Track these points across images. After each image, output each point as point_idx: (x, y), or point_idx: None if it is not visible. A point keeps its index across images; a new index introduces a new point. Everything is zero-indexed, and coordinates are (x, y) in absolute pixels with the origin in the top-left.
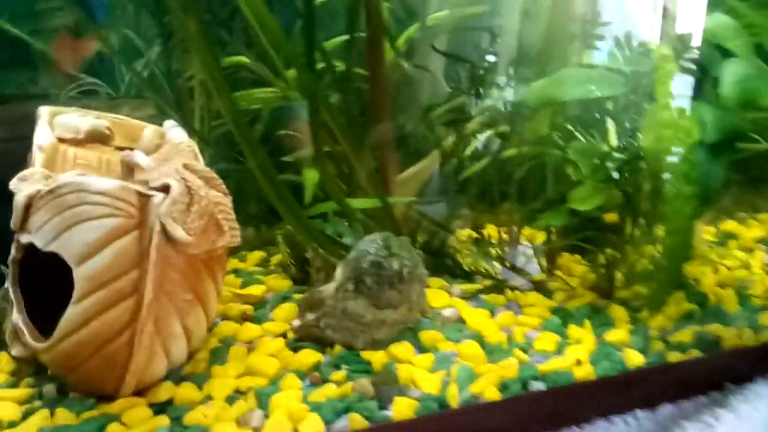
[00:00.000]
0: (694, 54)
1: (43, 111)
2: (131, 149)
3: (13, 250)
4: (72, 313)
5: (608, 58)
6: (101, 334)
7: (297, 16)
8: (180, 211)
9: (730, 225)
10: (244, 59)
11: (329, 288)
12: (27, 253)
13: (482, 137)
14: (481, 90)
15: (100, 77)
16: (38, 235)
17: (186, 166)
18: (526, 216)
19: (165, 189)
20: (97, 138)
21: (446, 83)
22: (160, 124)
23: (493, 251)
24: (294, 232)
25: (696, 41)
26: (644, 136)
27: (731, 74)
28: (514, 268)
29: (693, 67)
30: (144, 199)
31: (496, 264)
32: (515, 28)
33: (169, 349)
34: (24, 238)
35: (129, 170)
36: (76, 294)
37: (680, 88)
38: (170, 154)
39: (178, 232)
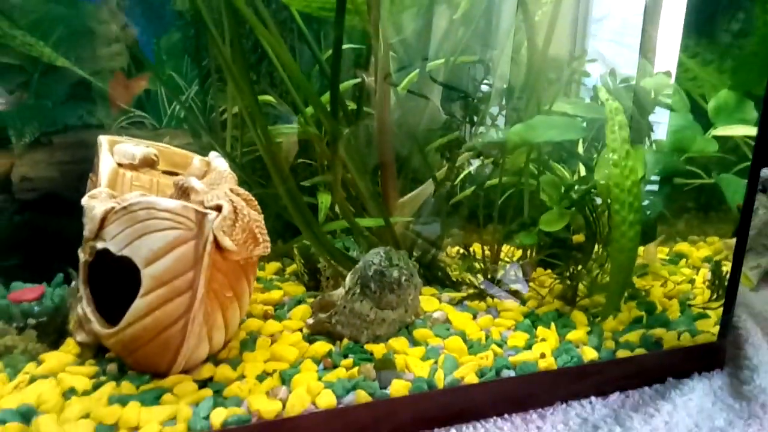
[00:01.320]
0: (670, 91)
1: (103, 139)
2: (174, 173)
3: (82, 255)
4: (138, 304)
5: (593, 92)
6: (160, 322)
7: (315, 61)
8: (228, 226)
9: (682, 246)
10: (269, 98)
11: (339, 292)
12: (95, 257)
13: (472, 167)
14: (475, 119)
15: (146, 111)
16: (112, 243)
17: (232, 190)
18: (504, 235)
19: (218, 208)
20: (147, 163)
21: (443, 111)
22: (195, 151)
23: (477, 266)
24: (309, 246)
25: (672, 79)
26: (597, 172)
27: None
28: (498, 283)
29: (669, 101)
30: (200, 216)
31: (480, 276)
32: (507, 66)
33: (212, 336)
34: (99, 245)
35: (182, 192)
36: (142, 289)
37: (661, 119)
38: (217, 179)
39: (227, 242)
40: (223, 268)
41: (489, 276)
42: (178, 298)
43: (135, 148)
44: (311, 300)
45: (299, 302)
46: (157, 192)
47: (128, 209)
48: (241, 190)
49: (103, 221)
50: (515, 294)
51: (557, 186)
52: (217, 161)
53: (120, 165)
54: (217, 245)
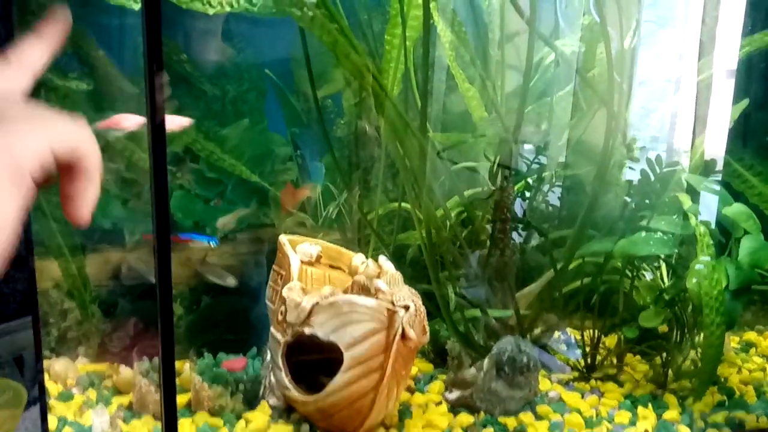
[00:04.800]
0: (718, 176)
1: (283, 239)
2: (335, 266)
3: (281, 335)
4: (339, 378)
5: (641, 175)
6: (355, 394)
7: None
8: (412, 321)
9: (751, 335)
10: (406, 205)
11: (471, 372)
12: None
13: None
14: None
15: (307, 213)
16: (320, 330)
17: (411, 292)
18: (608, 328)
19: (405, 307)
20: (317, 260)
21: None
22: (341, 244)
23: (579, 351)
24: (437, 330)
25: (719, 165)
26: (688, 280)
27: (745, 247)
28: (586, 368)
29: (716, 187)
30: (391, 312)
31: (581, 361)
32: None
33: (388, 405)
34: (306, 330)
35: (362, 289)
36: (343, 367)
37: (707, 202)
38: (392, 280)
39: (411, 333)
40: (402, 352)
41: (589, 361)
42: (371, 375)
43: (311, 247)
44: (442, 376)
45: (432, 378)
46: (330, 282)
47: (333, 304)
48: (414, 291)
49: (310, 312)
50: (613, 377)
51: (653, 289)
52: (387, 264)
53: (301, 261)
54: (402, 335)
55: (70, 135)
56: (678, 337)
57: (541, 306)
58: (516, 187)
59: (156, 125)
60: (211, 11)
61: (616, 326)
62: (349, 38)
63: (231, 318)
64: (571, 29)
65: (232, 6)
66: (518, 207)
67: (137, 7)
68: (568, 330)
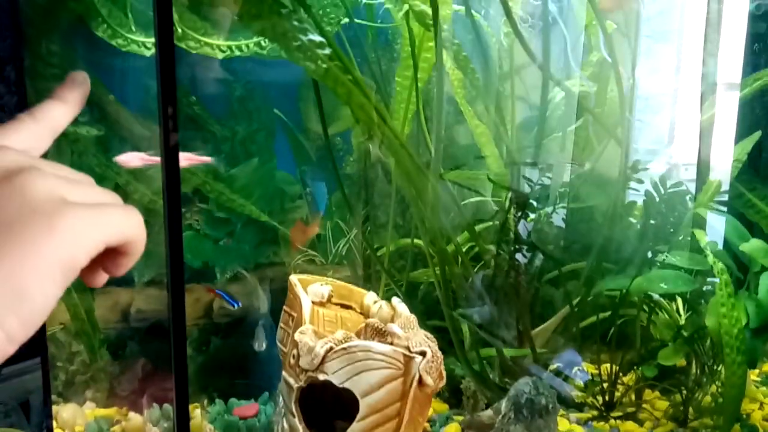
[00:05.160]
0: (724, 197)
1: (294, 279)
2: (345, 305)
3: (294, 381)
4: (355, 426)
5: (646, 196)
6: None
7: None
8: (429, 367)
9: None
10: (418, 241)
11: (488, 413)
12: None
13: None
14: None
15: (317, 250)
16: (334, 376)
17: (427, 336)
18: (626, 366)
19: (422, 353)
20: (329, 299)
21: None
22: (352, 281)
23: (596, 388)
24: (452, 368)
25: (725, 186)
26: (708, 318)
27: (765, 284)
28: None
29: (723, 208)
30: (408, 359)
31: (599, 398)
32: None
33: None
34: (320, 377)
35: (376, 333)
36: (360, 415)
37: (714, 222)
38: (406, 324)
39: (429, 380)
40: (419, 399)
41: (607, 398)
42: (388, 423)
43: (322, 287)
44: (458, 417)
45: (447, 419)
46: (342, 325)
47: (348, 350)
48: (430, 335)
49: (325, 357)
50: (632, 415)
51: (671, 326)
52: (401, 307)
53: (312, 302)
54: (420, 382)
55: (123, 225)
56: (698, 371)
57: (558, 342)
58: (528, 219)
59: (170, 166)
60: (220, 56)
61: (634, 364)
62: (362, 89)
63: (241, 360)
64: (579, 66)
65: (241, 50)
66: (522, 228)
67: (148, 53)
68: (584, 365)
